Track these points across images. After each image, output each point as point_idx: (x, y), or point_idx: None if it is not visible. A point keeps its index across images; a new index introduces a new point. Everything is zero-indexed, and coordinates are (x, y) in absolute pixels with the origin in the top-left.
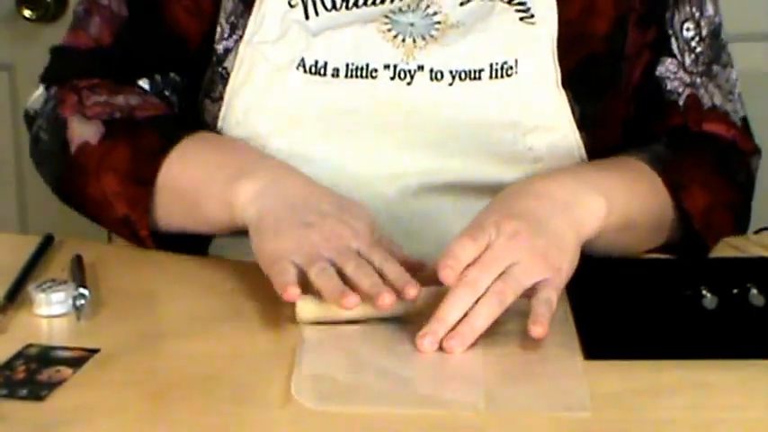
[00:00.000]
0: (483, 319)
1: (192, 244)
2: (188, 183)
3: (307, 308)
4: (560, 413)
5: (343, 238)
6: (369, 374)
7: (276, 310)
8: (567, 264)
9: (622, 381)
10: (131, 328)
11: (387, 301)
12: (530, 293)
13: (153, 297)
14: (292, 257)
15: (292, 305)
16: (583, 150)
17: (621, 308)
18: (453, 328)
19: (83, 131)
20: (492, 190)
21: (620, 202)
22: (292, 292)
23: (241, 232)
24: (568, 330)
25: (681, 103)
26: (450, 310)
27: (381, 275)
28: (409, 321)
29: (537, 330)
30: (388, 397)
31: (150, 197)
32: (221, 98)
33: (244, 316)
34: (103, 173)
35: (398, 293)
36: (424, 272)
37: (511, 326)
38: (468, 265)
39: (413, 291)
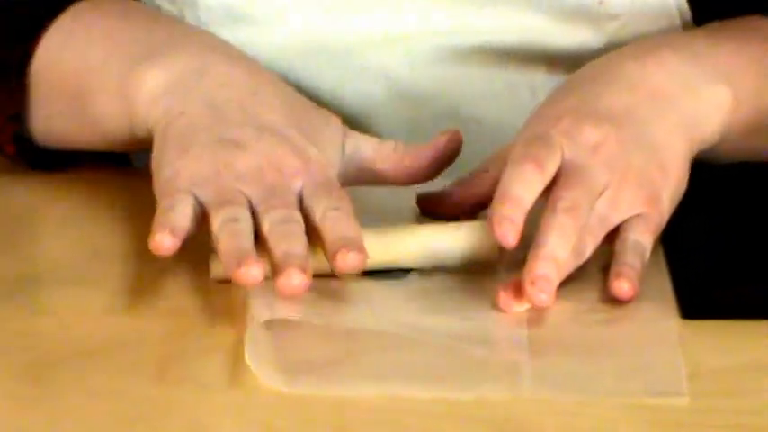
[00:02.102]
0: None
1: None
2: (72, 69)
3: (219, 268)
4: (643, 399)
5: (282, 169)
6: (357, 341)
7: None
8: (670, 191)
9: (725, 353)
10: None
11: (294, 281)
12: (612, 234)
13: (31, 229)
14: (195, 189)
15: None
16: (684, 4)
17: (737, 245)
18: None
19: None
20: (546, 60)
21: (751, 90)
22: (164, 243)
23: None
24: (659, 279)
25: None
26: (556, 247)
27: (320, 233)
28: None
29: (622, 287)
30: (386, 375)
31: (18, 94)
32: None
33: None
34: None
35: (331, 260)
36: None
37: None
38: None
39: (351, 257)
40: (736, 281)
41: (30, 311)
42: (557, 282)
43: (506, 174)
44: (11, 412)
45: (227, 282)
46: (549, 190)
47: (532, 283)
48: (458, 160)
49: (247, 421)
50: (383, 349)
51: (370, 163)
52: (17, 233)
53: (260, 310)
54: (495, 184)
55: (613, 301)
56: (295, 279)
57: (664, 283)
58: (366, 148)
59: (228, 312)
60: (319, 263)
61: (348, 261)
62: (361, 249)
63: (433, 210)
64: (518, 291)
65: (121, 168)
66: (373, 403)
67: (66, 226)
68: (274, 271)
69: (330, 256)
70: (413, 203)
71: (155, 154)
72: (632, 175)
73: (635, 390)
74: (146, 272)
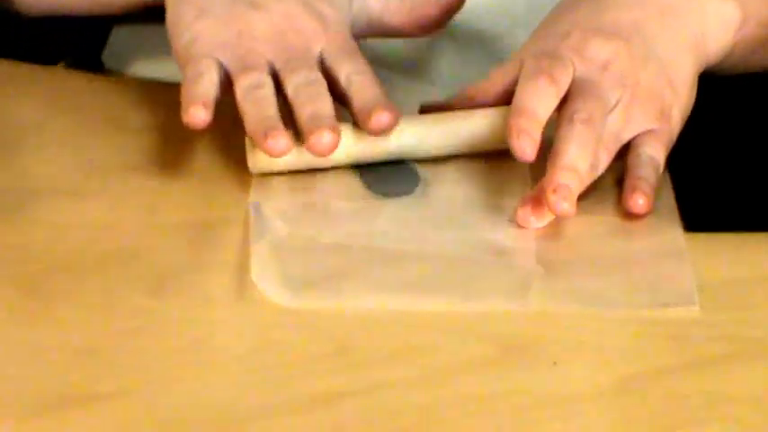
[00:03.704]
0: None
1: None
2: None
3: (257, 156)
4: (652, 313)
5: (302, 31)
6: (363, 255)
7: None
8: (679, 107)
9: (732, 265)
10: None
11: (324, 140)
12: (622, 150)
13: (28, 142)
14: (218, 53)
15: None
16: None
17: (742, 159)
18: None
19: None
20: None
21: (758, 7)
22: (198, 115)
23: (154, 15)
24: (664, 193)
25: None
26: (576, 158)
27: (346, 97)
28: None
29: (638, 201)
30: (391, 288)
31: None
32: None
33: (164, 158)
34: None
35: (364, 122)
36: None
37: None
38: None
39: (385, 117)
40: (740, 194)
41: (27, 224)
42: (577, 191)
43: (520, 88)
44: (7, 324)
45: (266, 174)
46: (561, 106)
47: (554, 191)
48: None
49: (250, 335)
50: (388, 262)
51: (378, 15)
52: (15, 147)
53: (263, 229)
54: (498, 95)
55: (623, 215)
56: (326, 137)
57: (669, 198)
58: (373, 2)
59: (230, 226)
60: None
61: (382, 120)
62: (392, 109)
63: None
64: (537, 205)
65: (118, 78)
66: (377, 317)
67: (63, 140)
68: (302, 132)
69: (362, 119)
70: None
71: (170, 16)
72: (643, 91)
73: (645, 302)
74: (144, 185)
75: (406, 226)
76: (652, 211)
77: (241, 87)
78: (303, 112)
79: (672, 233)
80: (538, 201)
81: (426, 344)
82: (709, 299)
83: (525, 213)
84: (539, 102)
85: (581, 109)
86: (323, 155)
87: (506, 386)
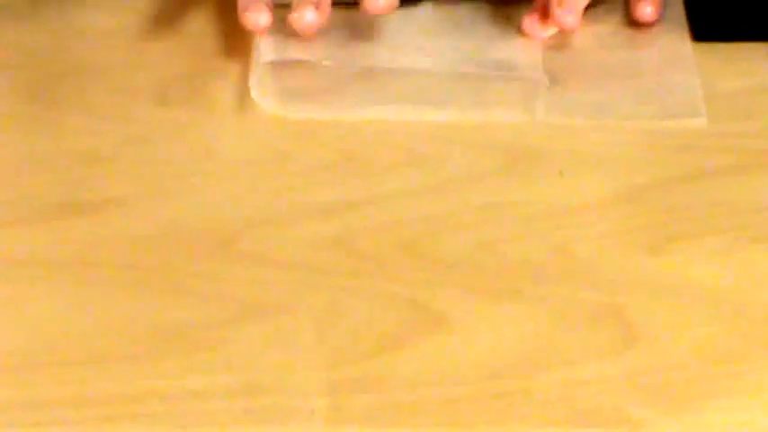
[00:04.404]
0: None
1: None
2: None
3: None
4: (659, 124)
5: None
6: (364, 66)
7: None
8: None
9: (739, 76)
10: None
11: (306, 18)
12: None
13: None
14: None
15: None
16: None
17: None
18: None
19: None
20: None
21: None
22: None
23: None
24: (672, 2)
25: None
26: None
27: None
28: None
29: (645, 10)
30: (396, 98)
31: None
32: None
33: None
34: None
35: None
36: None
37: None
38: None
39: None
40: (749, 3)
41: (34, 29)
42: (583, 4)
43: None
44: (12, 130)
45: None
46: None
47: (559, 4)
48: None
49: (255, 145)
50: (394, 73)
51: None
52: None
53: (268, 50)
54: None
55: (631, 24)
56: (308, 16)
57: (678, 7)
58: None
59: (238, 35)
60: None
61: (379, 3)
62: None
63: None
64: (544, 15)
65: None
66: (381, 127)
67: None
68: (294, 2)
69: None
70: None
71: None
72: None
73: (652, 113)
74: None
75: (411, 35)
76: (660, 20)
77: None
78: None
79: (680, 43)
80: (545, 10)
81: (431, 154)
82: (716, 109)
83: (532, 22)
84: None
85: None
86: (303, 31)
87: (512, 196)
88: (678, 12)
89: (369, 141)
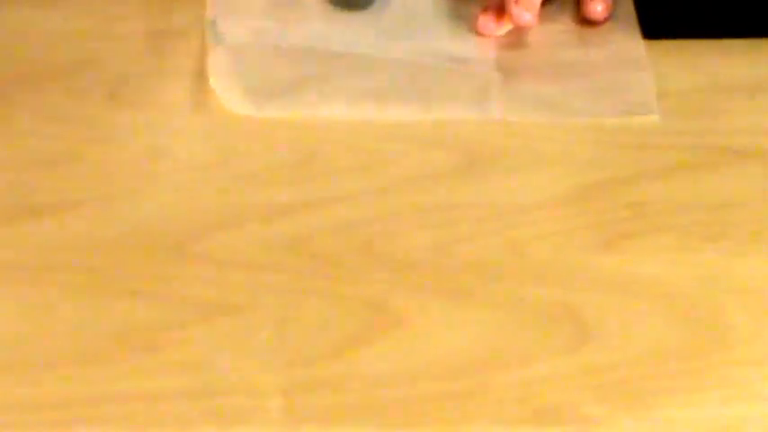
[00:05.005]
0: None
1: None
2: None
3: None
4: (613, 121)
5: None
6: (325, 64)
7: None
8: None
9: (691, 73)
10: None
11: None
12: None
13: None
14: None
15: None
16: None
17: None
18: None
19: None
20: None
21: None
22: None
23: None
24: (624, 4)
25: None
26: None
27: None
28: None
29: (596, 8)
30: (354, 97)
31: None
32: None
33: None
34: None
35: None
36: None
37: None
38: None
39: None
40: (697, 0)
41: None
42: (539, 1)
43: None
44: None
45: None
46: None
47: (517, 1)
48: None
49: (210, 146)
50: (348, 72)
51: None
52: None
53: (220, 36)
54: None
55: (583, 23)
56: (526, 15)
57: (629, 5)
58: None
59: (189, 35)
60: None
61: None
62: None
63: None
64: (499, 13)
65: None
66: (340, 127)
67: None
68: None
69: None
70: None
71: None
72: None
73: (605, 110)
74: None
75: (366, 36)
76: (610, 18)
77: None
78: None
79: (631, 41)
80: (500, 9)
81: (389, 154)
82: (670, 107)
83: (486, 21)
84: None
85: None
86: (522, 25)
87: (467, 196)
88: (629, 10)
89: (325, 141)
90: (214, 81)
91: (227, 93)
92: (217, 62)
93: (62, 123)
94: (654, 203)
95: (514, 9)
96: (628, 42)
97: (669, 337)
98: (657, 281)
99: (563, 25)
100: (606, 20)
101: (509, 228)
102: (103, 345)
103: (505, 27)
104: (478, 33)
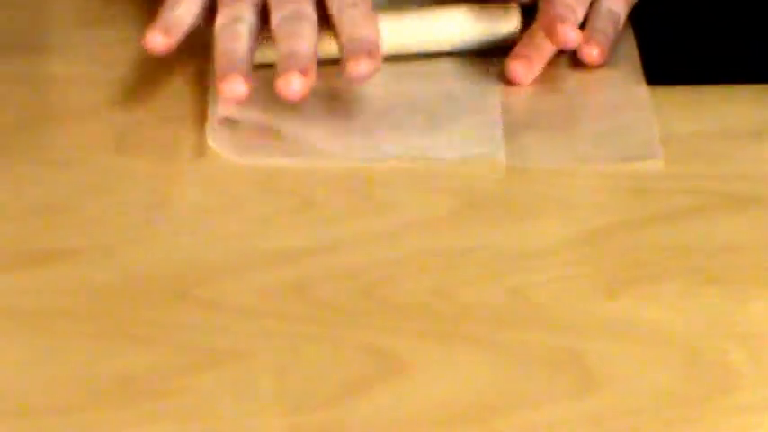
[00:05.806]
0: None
1: None
2: None
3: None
4: (618, 166)
5: None
6: (313, 120)
7: None
8: None
9: (695, 118)
10: None
11: (292, 85)
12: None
13: None
14: None
15: None
16: None
17: (703, 12)
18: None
19: None
20: None
21: None
22: (156, 41)
23: None
24: (627, 47)
25: None
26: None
27: (336, 30)
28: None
29: (591, 53)
30: (354, 144)
31: None
32: None
33: (126, 13)
34: None
35: (343, 64)
36: None
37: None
38: None
39: (363, 66)
40: (703, 47)
41: None
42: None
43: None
44: None
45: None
46: None
47: (562, 22)
48: None
49: (212, 192)
50: (350, 116)
51: None
52: None
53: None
54: None
55: (585, 68)
56: (295, 84)
57: (632, 51)
58: None
59: (195, 82)
60: (330, 48)
61: (360, 69)
62: (374, 55)
63: None
64: (529, 60)
65: None
66: (339, 173)
67: None
68: (278, 68)
69: (344, 58)
70: None
71: None
72: None
73: (608, 155)
74: (104, 41)
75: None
76: (606, 62)
77: (219, 20)
78: (280, 49)
79: (635, 86)
80: (530, 56)
81: (390, 199)
82: (674, 152)
83: (517, 66)
84: None
85: None
86: (289, 100)
87: (469, 240)
88: (633, 54)
89: (327, 186)
90: (211, 140)
91: (222, 146)
92: (215, 124)
93: (65, 170)
94: (658, 248)
95: (560, 28)
96: (631, 87)
97: (673, 384)
98: (662, 327)
99: (567, 71)
100: (601, 63)
101: (511, 272)
102: (105, 391)
103: (536, 72)
104: (508, 83)
